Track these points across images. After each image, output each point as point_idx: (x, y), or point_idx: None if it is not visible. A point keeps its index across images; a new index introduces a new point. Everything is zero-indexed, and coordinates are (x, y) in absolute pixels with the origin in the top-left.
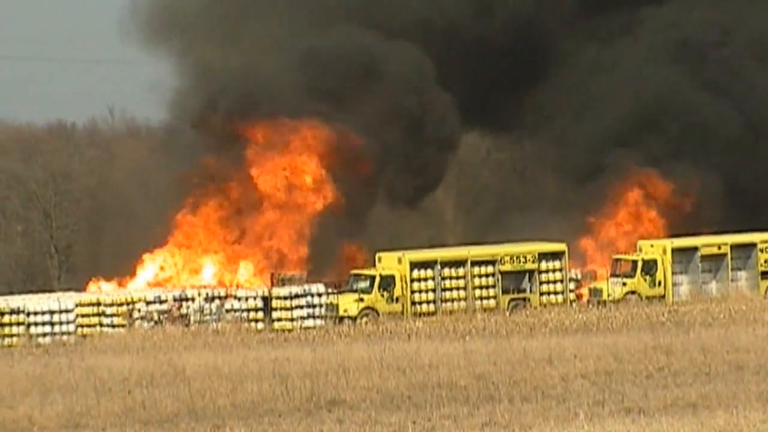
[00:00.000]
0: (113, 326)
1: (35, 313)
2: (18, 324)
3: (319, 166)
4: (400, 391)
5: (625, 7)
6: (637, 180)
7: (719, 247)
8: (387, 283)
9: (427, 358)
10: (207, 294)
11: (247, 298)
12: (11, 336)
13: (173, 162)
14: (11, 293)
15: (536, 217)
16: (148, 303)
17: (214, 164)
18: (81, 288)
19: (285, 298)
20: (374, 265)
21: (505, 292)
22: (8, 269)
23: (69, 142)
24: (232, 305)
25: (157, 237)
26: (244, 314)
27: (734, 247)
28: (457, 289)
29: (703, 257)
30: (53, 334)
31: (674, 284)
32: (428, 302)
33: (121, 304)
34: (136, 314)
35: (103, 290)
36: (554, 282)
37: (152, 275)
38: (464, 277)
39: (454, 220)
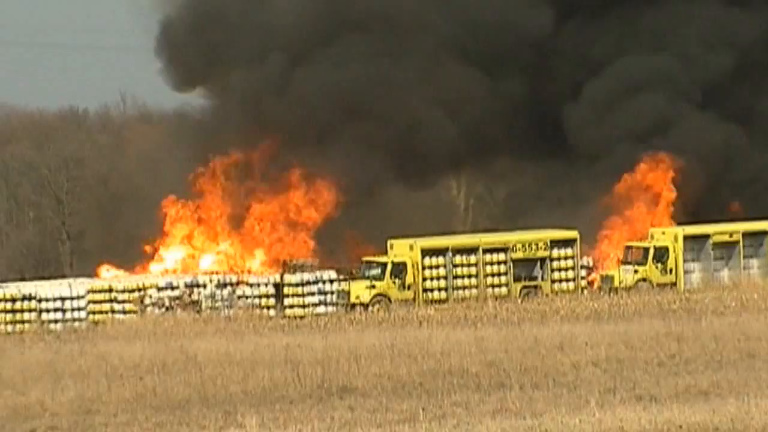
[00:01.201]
0: (125, 312)
1: (47, 300)
2: (30, 310)
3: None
4: (412, 378)
5: None
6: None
7: (731, 235)
8: (399, 270)
9: (438, 346)
10: (219, 280)
11: (258, 285)
12: (23, 322)
13: (183, 149)
14: (23, 279)
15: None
16: (159, 289)
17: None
18: (93, 274)
19: (297, 285)
20: (385, 253)
21: (516, 279)
22: (20, 255)
23: (81, 128)
24: (243, 292)
25: (166, 225)
26: (256, 301)
27: (746, 234)
28: (469, 276)
29: (715, 245)
30: (65, 320)
31: (686, 272)
32: (440, 289)
33: (132, 291)
34: (147, 300)
35: (115, 275)
36: (566, 269)
37: (165, 263)
38: (476, 264)
39: (466, 208)
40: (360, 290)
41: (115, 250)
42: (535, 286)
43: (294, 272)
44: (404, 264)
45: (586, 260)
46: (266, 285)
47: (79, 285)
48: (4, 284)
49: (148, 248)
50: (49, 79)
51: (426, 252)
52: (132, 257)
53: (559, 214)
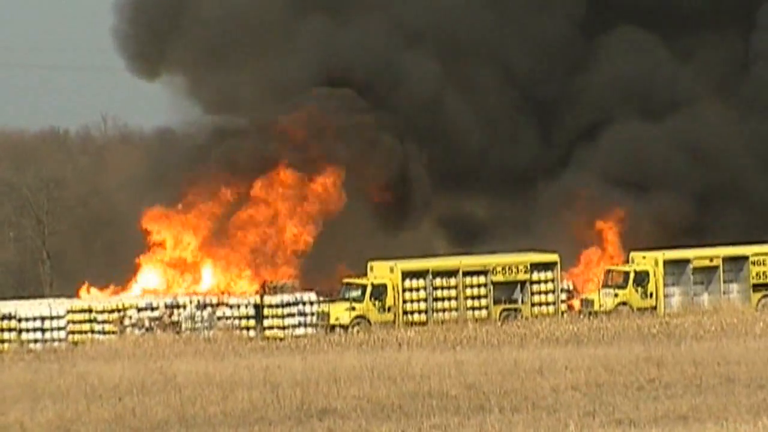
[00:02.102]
0: (104, 333)
1: (26, 319)
2: (9, 330)
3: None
4: (391, 400)
5: None
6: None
7: (711, 260)
8: (379, 292)
9: (418, 368)
10: (198, 301)
11: (238, 306)
12: (2, 342)
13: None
14: (3, 299)
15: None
16: (139, 310)
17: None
18: (73, 294)
19: (277, 306)
20: (365, 275)
21: (496, 302)
22: (0, 275)
23: (62, 148)
24: (223, 313)
25: (148, 244)
26: (236, 322)
27: (726, 259)
28: (449, 299)
29: (695, 269)
30: (44, 340)
31: (666, 296)
32: (420, 312)
33: (112, 311)
34: (127, 321)
35: (94, 295)
36: (546, 293)
37: (146, 284)
38: (456, 287)
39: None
40: (340, 312)
41: (96, 270)
42: (515, 309)
43: (274, 293)
44: (384, 286)
45: (566, 283)
46: (246, 306)
47: (59, 305)
48: None
49: (129, 267)
50: (30, 99)
51: (406, 274)
52: (112, 277)
53: (537, 236)
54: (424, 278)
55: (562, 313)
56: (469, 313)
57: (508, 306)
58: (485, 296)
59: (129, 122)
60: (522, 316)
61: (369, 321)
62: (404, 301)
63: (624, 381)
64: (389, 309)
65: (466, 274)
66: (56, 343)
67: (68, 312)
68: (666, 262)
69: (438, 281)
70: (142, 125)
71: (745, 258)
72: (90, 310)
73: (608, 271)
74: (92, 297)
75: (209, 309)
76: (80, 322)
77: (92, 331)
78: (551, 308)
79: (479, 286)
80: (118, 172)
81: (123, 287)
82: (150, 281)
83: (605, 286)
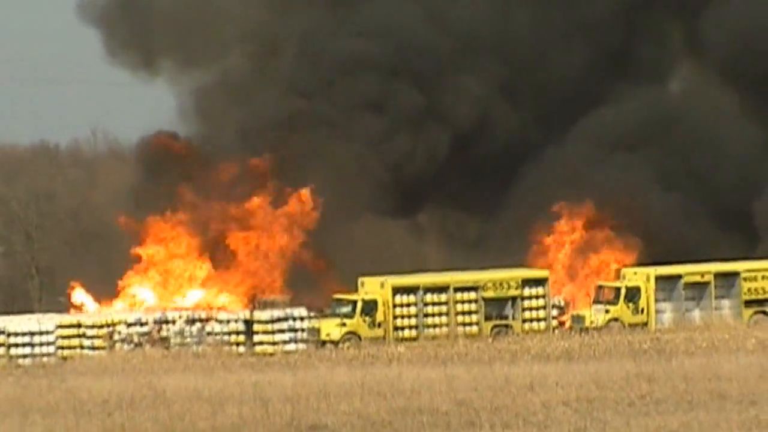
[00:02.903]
0: (93, 348)
1: (15, 334)
2: None
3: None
4: (381, 416)
5: None
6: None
7: (703, 276)
8: (369, 307)
9: (408, 384)
10: (188, 317)
11: (228, 321)
12: None
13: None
14: None
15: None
16: (128, 325)
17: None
18: (62, 309)
19: (267, 321)
20: (356, 290)
21: (487, 318)
22: None
23: (52, 162)
24: (213, 328)
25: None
26: (226, 337)
27: (718, 275)
28: (440, 314)
29: (687, 285)
30: (33, 355)
31: (657, 312)
32: (410, 327)
33: (101, 327)
34: (116, 336)
35: (85, 309)
36: (537, 309)
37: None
38: (447, 302)
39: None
40: (330, 328)
41: (86, 284)
42: (506, 325)
43: (264, 309)
44: (375, 302)
45: (558, 299)
46: (236, 321)
47: (48, 320)
48: None
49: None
50: (20, 113)
51: (397, 290)
52: (102, 292)
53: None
54: (415, 294)
55: (553, 329)
56: (460, 329)
57: (499, 322)
58: (476, 312)
59: (119, 136)
60: (513, 332)
61: (359, 337)
62: (395, 317)
63: (615, 397)
64: (380, 325)
65: (457, 290)
66: (45, 359)
67: (57, 327)
68: (657, 278)
69: (429, 297)
70: (132, 139)
71: (736, 274)
72: (79, 326)
73: (599, 287)
74: (82, 300)
75: (198, 324)
76: (69, 337)
77: (81, 347)
78: (542, 324)
79: (470, 302)
80: (108, 186)
81: (111, 300)
82: (140, 295)
83: (596, 302)
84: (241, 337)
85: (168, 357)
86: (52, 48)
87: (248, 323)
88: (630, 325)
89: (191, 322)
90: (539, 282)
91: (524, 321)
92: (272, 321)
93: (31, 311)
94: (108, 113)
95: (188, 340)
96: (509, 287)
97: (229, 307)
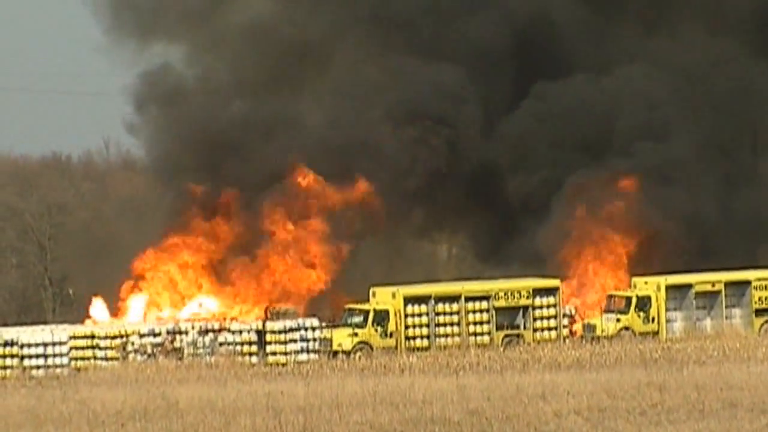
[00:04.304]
0: (107, 359)
1: (29, 345)
2: (11, 356)
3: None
4: (393, 426)
5: None
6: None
7: (713, 285)
8: (381, 317)
9: (420, 393)
10: (201, 327)
11: (241, 332)
12: (5, 368)
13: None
14: (5, 325)
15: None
16: (141, 336)
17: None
18: (76, 320)
19: (279, 332)
20: (368, 300)
21: (499, 327)
22: (2, 301)
23: (64, 174)
24: (225, 338)
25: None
26: (238, 348)
27: (728, 284)
28: (451, 324)
29: (698, 294)
30: (47, 366)
31: (668, 321)
32: (422, 337)
33: (114, 337)
34: (129, 347)
35: (98, 321)
36: (548, 318)
37: (144, 308)
38: (458, 312)
39: (448, 256)
40: (342, 338)
41: (101, 295)
42: (518, 335)
43: (276, 319)
44: (387, 312)
45: (569, 308)
46: (248, 332)
47: (61, 331)
48: None
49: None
50: (33, 125)
51: (408, 300)
52: (114, 303)
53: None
54: (427, 304)
55: (565, 338)
56: (472, 338)
57: (510, 331)
58: (487, 322)
59: (131, 148)
60: (524, 342)
61: (371, 347)
62: (406, 327)
63: (626, 406)
64: (391, 334)
65: (468, 299)
66: (59, 370)
67: (71, 338)
68: (668, 287)
69: (440, 307)
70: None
71: (747, 283)
72: (93, 336)
73: (610, 296)
74: (96, 311)
75: (211, 335)
76: (83, 348)
77: (95, 358)
78: (553, 333)
79: (481, 311)
80: (121, 198)
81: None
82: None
83: (607, 311)
84: (254, 348)
85: (181, 367)
86: (65, 60)
87: (260, 333)
88: (641, 334)
89: (204, 332)
90: (550, 291)
91: (535, 330)
92: (284, 331)
93: (44, 322)
94: (120, 125)
95: (201, 350)
96: (520, 296)
97: (241, 317)
